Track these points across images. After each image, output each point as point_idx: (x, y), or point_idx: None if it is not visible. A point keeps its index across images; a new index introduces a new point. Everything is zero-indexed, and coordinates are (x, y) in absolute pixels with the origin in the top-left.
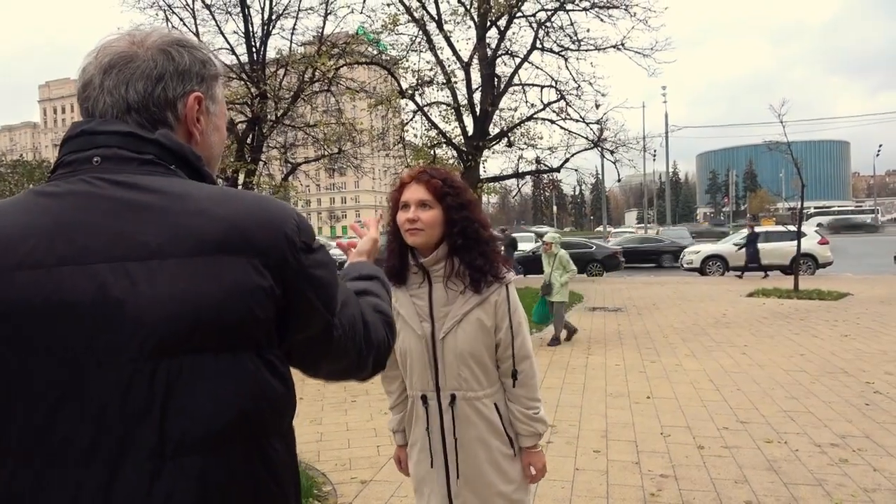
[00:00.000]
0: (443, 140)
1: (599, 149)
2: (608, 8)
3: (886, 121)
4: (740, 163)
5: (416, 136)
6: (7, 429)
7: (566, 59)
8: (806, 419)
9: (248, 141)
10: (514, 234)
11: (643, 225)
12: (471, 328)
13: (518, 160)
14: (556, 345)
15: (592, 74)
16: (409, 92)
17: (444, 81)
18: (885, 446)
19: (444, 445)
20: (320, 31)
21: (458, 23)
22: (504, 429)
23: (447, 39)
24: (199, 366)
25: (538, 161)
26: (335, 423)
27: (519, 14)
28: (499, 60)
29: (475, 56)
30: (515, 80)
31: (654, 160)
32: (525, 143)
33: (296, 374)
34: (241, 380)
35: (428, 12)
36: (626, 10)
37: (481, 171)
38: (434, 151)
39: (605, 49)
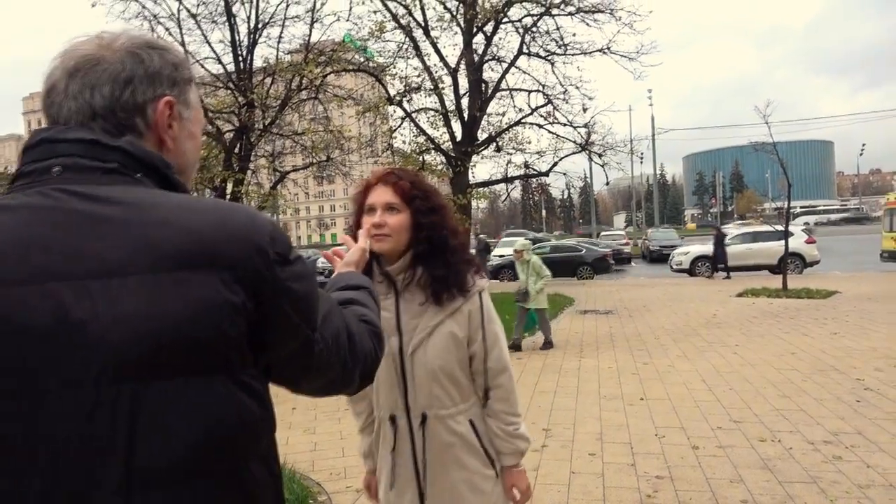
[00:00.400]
0: (431, 146)
1: (587, 152)
2: (593, 12)
3: (868, 120)
4: (726, 164)
5: (404, 142)
6: None
7: (553, 64)
8: (798, 417)
9: (236, 150)
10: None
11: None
12: (442, 341)
13: (507, 165)
14: (549, 348)
15: (579, 78)
16: (397, 98)
17: (432, 87)
18: (877, 442)
19: (416, 469)
20: (307, 39)
21: (444, 29)
22: (482, 447)
23: (434, 46)
24: (167, 391)
25: (527, 165)
26: (329, 433)
27: (505, 20)
28: (486, 66)
29: (462, 62)
30: (503, 85)
31: (641, 163)
32: (513, 148)
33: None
34: (213, 404)
35: (414, 19)
36: (611, 14)
37: (470, 177)
38: (423, 157)
39: (591, 53)
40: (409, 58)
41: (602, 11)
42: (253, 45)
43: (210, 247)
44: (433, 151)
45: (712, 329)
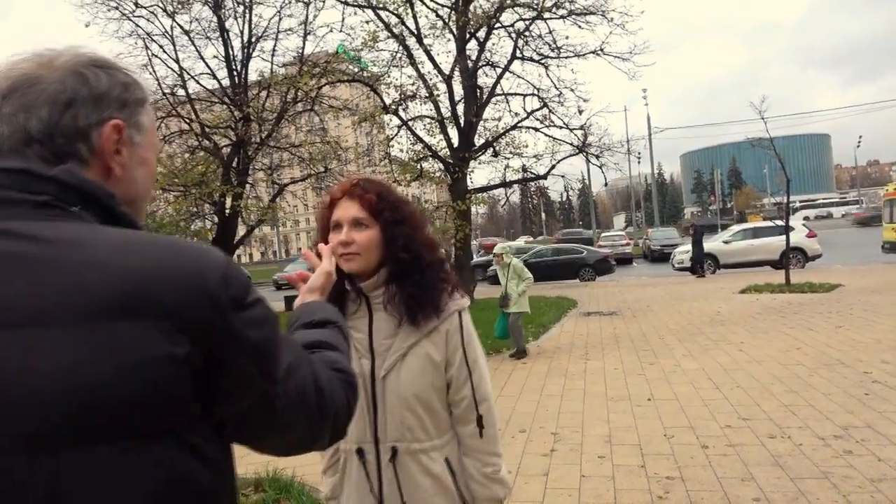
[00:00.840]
0: (429, 153)
1: (584, 154)
2: (585, 14)
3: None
4: (724, 161)
5: (401, 150)
6: None
7: (547, 67)
8: (807, 412)
9: (234, 164)
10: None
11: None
12: (417, 364)
13: (504, 169)
14: (521, 357)
15: (574, 81)
16: (393, 107)
17: (427, 95)
18: (888, 435)
19: None
20: (300, 51)
21: (437, 36)
22: (458, 490)
23: (428, 53)
24: (93, 461)
25: (524, 169)
26: None
27: (497, 25)
28: (480, 71)
29: (456, 68)
30: (498, 90)
31: (639, 162)
32: (511, 153)
33: None
34: (151, 475)
35: (407, 27)
36: (602, 15)
37: (469, 183)
38: (421, 165)
39: (584, 55)
40: (403, 66)
41: (594, 13)
42: (247, 59)
43: (149, 291)
44: (431, 159)
45: (716, 327)
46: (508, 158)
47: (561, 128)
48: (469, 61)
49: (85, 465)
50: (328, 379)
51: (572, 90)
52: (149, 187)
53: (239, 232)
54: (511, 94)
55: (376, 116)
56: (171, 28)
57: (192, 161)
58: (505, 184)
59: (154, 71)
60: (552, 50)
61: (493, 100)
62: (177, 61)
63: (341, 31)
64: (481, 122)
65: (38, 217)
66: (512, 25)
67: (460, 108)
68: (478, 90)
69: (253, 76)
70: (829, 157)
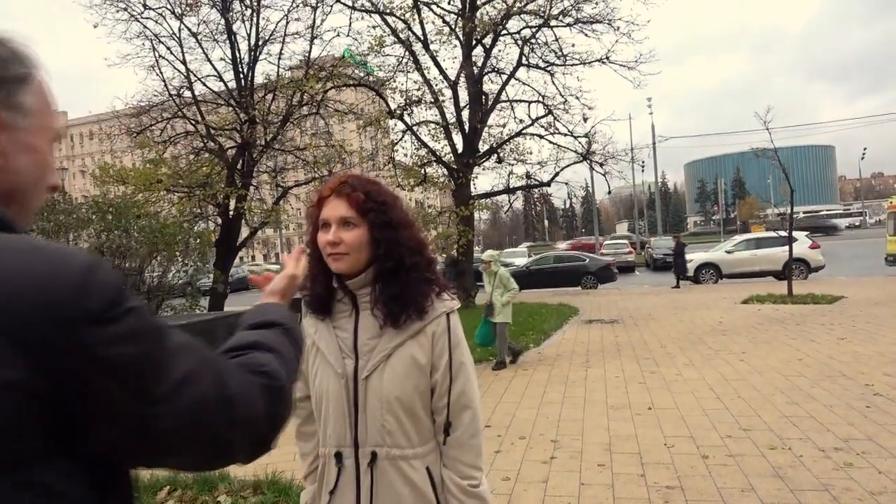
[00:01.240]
0: (433, 158)
1: (588, 162)
2: (592, 23)
3: (869, 124)
4: (728, 171)
5: (406, 155)
6: None
7: (552, 75)
8: (808, 424)
9: (239, 166)
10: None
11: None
12: (401, 366)
13: (508, 176)
14: (500, 368)
15: (579, 88)
16: (398, 112)
17: (432, 100)
18: (888, 448)
19: None
20: (307, 55)
21: (443, 42)
22: (437, 501)
23: (434, 59)
24: None
25: (528, 176)
26: None
27: (504, 32)
28: (486, 78)
29: (462, 74)
30: (503, 97)
31: (642, 171)
32: (515, 159)
33: None
34: None
35: (413, 33)
36: (609, 24)
37: (472, 188)
38: (425, 170)
39: (590, 63)
40: (408, 71)
41: (600, 22)
42: (254, 62)
43: None
44: (435, 164)
45: (718, 336)
46: (512, 165)
47: (565, 135)
48: (475, 67)
49: None
50: (242, 386)
51: (577, 98)
52: (39, 178)
53: (242, 234)
54: (516, 101)
55: (381, 121)
56: (179, 30)
57: (196, 162)
58: (508, 190)
59: (161, 72)
60: (558, 57)
61: (498, 106)
62: (184, 63)
63: (348, 35)
64: (486, 129)
65: None
66: (518, 32)
67: (465, 114)
68: (483, 96)
69: (259, 79)
70: (833, 169)
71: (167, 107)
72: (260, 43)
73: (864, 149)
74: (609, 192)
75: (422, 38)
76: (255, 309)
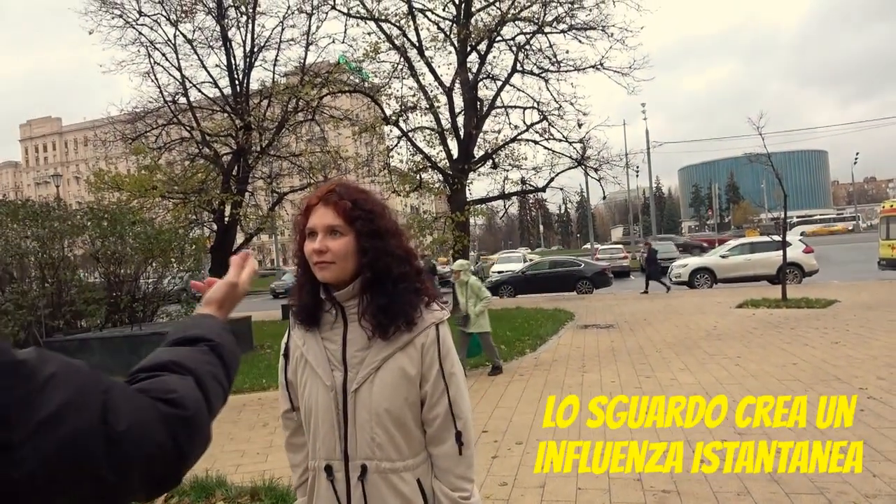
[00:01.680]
0: (428, 164)
1: (583, 167)
2: (586, 29)
3: (862, 129)
4: (721, 176)
5: (401, 161)
6: None
7: (547, 81)
8: (803, 427)
9: (234, 172)
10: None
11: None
12: (390, 378)
13: (503, 181)
14: (497, 374)
15: (573, 94)
16: (393, 118)
17: (428, 107)
18: (882, 451)
19: None
20: (302, 61)
21: (438, 49)
22: None
23: (429, 65)
24: None
25: (523, 181)
26: None
27: (498, 38)
28: (480, 84)
29: (457, 80)
30: (498, 103)
31: (636, 176)
32: (510, 165)
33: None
34: None
35: (409, 39)
36: (603, 30)
37: (468, 194)
38: (420, 176)
39: (584, 69)
40: (404, 78)
41: (594, 28)
42: (249, 68)
43: None
44: (430, 170)
45: (713, 341)
46: (507, 170)
47: (560, 141)
48: (470, 74)
49: None
50: (136, 417)
51: (572, 104)
52: None
53: (237, 240)
54: (511, 107)
55: (377, 127)
56: (175, 37)
57: (192, 169)
58: (504, 196)
59: (156, 78)
60: (552, 64)
61: (493, 112)
62: (179, 69)
63: (343, 42)
64: (481, 134)
65: None
66: (513, 39)
67: (460, 120)
68: (478, 102)
69: (254, 85)
70: (826, 174)
71: (162, 113)
72: (255, 49)
73: (857, 153)
74: (604, 198)
75: (417, 45)
76: (183, 322)
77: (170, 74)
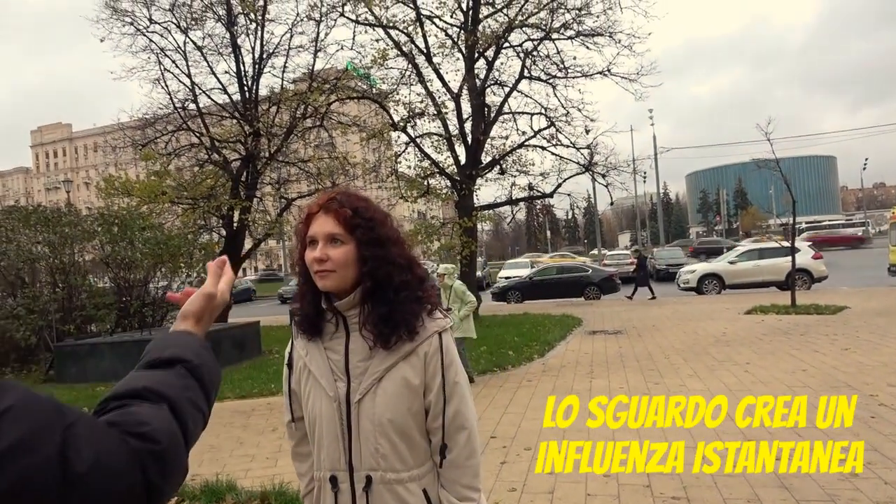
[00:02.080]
0: (436, 170)
1: (591, 173)
2: (593, 36)
3: (871, 135)
4: (729, 181)
5: (409, 167)
6: None
7: (554, 87)
8: (813, 434)
9: (243, 178)
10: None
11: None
12: (393, 388)
13: (511, 187)
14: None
15: (581, 100)
16: (401, 124)
17: (435, 113)
18: (894, 458)
19: None
20: (311, 68)
21: (446, 55)
22: None
23: (436, 72)
24: None
25: (531, 187)
26: None
27: (506, 45)
28: (488, 90)
29: (465, 87)
30: (505, 109)
31: (644, 182)
32: (517, 170)
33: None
34: None
35: (416, 46)
36: (610, 37)
37: (475, 200)
38: (427, 182)
39: (591, 75)
40: (411, 84)
41: (602, 34)
42: (258, 75)
43: None
44: (438, 175)
45: (722, 347)
46: (515, 176)
47: (568, 147)
48: (477, 80)
49: None
50: (101, 454)
51: (579, 110)
52: None
53: (246, 245)
54: (518, 113)
55: (384, 133)
56: (184, 44)
57: (201, 174)
58: (511, 201)
59: (166, 85)
60: (560, 70)
61: (501, 118)
62: (189, 76)
63: (352, 48)
64: (488, 140)
65: None
66: (520, 45)
67: (468, 126)
68: (485, 108)
69: (263, 92)
70: (835, 179)
71: (172, 119)
72: (264, 56)
73: (866, 159)
74: (611, 204)
75: (425, 51)
76: (158, 340)
77: (179, 81)
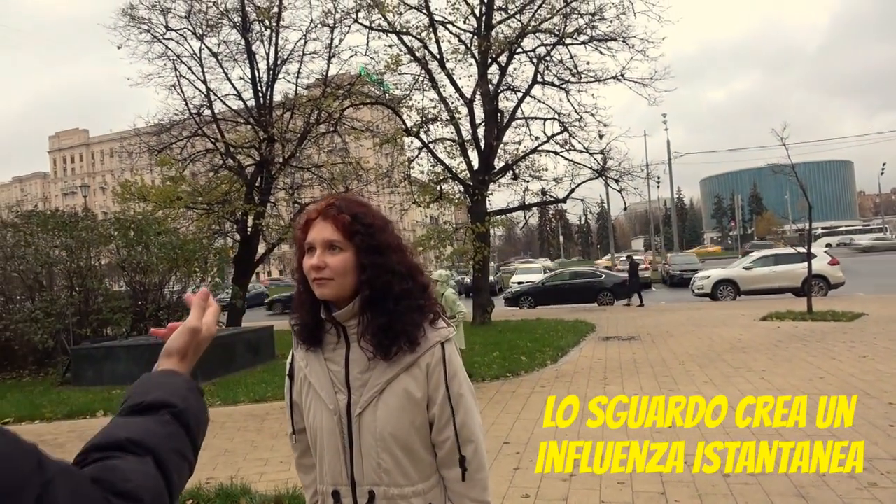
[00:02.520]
0: (449, 175)
1: (604, 178)
2: (606, 41)
3: (888, 139)
4: (744, 186)
5: (422, 172)
6: None
7: (567, 92)
8: (831, 443)
9: (257, 183)
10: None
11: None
12: (395, 401)
13: (524, 192)
14: None
15: (594, 105)
16: (414, 129)
17: (448, 118)
18: None
19: None
20: (325, 73)
21: (459, 61)
22: None
23: (450, 77)
24: None
25: (544, 192)
26: None
27: (519, 50)
28: (501, 95)
29: (478, 92)
30: (518, 114)
31: (658, 187)
32: (530, 176)
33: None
34: None
35: (430, 52)
36: (624, 42)
37: (488, 205)
38: (440, 187)
39: (605, 80)
40: (425, 89)
41: (615, 39)
42: (272, 81)
43: None
44: (451, 180)
45: (737, 354)
46: (528, 181)
47: (581, 152)
48: (490, 85)
49: None
50: None
51: (593, 115)
52: None
53: (259, 250)
54: (531, 118)
55: (397, 138)
56: (200, 50)
57: (216, 180)
58: (524, 206)
59: (182, 91)
60: (573, 75)
61: (514, 123)
62: (204, 82)
63: (365, 54)
64: (501, 145)
65: None
66: (533, 51)
67: (481, 131)
68: (499, 113)
69: (278, 97)
70: (852, 184)
71: (187, 125)
72: (279, 62)
73: (884, 164)
74: (625, 209)
75: (438, 57)
76: (141, 383)
77: (195, 87)
